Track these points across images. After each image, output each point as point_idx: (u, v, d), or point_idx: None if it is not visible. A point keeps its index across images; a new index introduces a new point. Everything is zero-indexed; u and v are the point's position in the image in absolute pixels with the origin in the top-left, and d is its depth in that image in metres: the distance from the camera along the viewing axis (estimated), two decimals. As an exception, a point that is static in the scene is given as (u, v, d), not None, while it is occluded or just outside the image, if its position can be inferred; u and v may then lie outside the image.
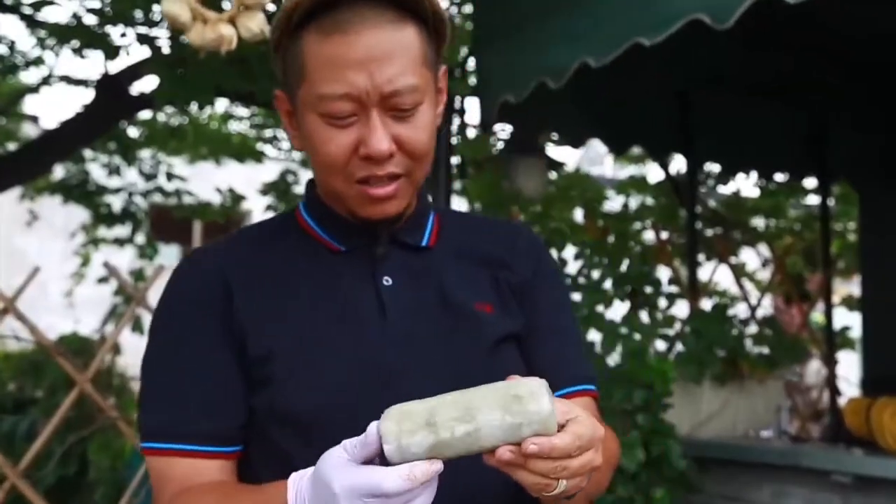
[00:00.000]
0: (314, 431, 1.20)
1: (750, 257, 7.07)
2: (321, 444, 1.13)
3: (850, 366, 5.72)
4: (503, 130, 5.68)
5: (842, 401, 4.40)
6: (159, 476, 1.26)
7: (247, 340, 1.26)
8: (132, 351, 4.06)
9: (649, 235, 6.45)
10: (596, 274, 4.52)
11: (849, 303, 5.98)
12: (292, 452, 1.20)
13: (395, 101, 1.21)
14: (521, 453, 1.02)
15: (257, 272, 1.32)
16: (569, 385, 1.41)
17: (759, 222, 6.94)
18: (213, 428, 1.25)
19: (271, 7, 2.00)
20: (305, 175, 7.83)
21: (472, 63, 4.45)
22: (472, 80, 4.36)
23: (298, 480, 1.11)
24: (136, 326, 4.29)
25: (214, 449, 1.26)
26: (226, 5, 1.84)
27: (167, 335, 1.32)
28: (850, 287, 6.14)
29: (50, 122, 7.10)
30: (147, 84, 5.97)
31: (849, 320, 5.61)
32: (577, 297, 3.93)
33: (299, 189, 7.58)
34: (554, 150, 5.88)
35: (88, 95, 6.54)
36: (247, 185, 8.21)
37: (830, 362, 4.85)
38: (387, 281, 1.31)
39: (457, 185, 6.00)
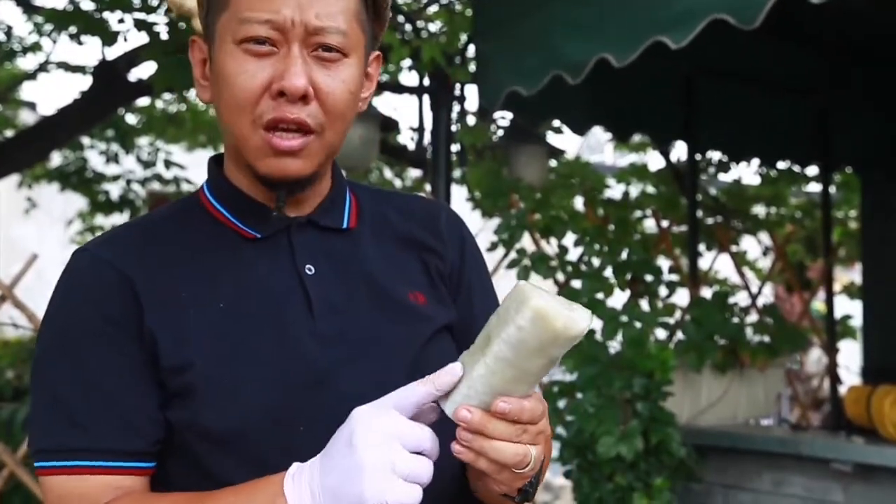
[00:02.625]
0: (240, 446, 1.13)
1: (751, 245, 7.06)
2: (248, 459, 1.10)
3: (850, 354, 5.71)
4: (503, 118, 5.68)
5: (842, 389, 4.40)
6: (62, 497, 1.14)
7: (159, 351, 1.14)
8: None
9: (650, 224, 6.43)
10: (596, 262, 4.52)
11: (850, 291, 5.98)
12: (216, 469, 1.12)
13: (319, 39, 1.14)
14: (492, 412, 1.00)
15: (165, 270, 1.18)
16: None
17: (759, 210, 6.94)
18: (127, 442, 1.14)
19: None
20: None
21: (471, 50, 4.43)
22: (472, 68, 4.34)
23: (296, 473, 1.02)
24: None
25: (131, 465, 1.15)
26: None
27: (60, 344, 1.18)
28: (851, 275, 6.14)
29: (47, 108, 7.09)
30: (145, 70, 5.94)
31: (850, 309, 5.60)
32: (577, 284, 3.93)
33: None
34: (554, 138, 5.87)
35: (86, 82, 6.54)
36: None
37: (831, 351, 4.84)
38: (309, 270, 1.21)
39: (456, 172, 5.99)
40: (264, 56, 1.12)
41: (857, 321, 5.34)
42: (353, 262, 1.24)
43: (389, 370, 1.15)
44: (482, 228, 4.36)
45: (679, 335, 3.42)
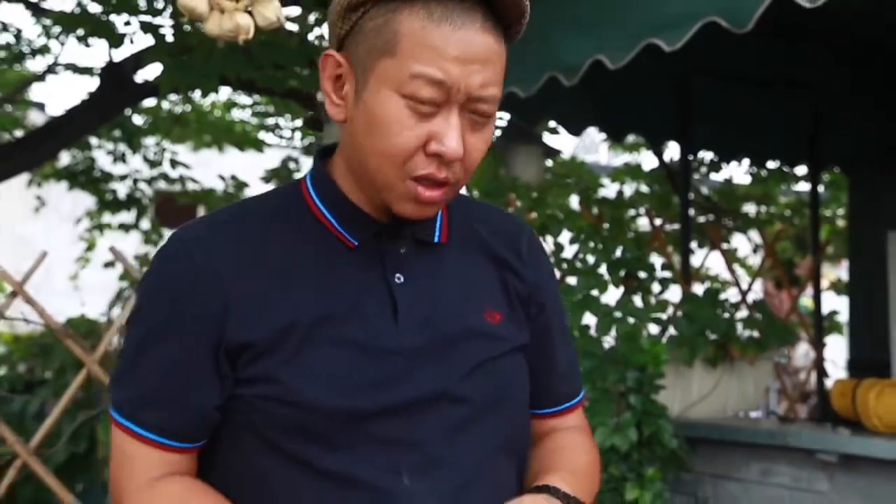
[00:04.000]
0: (311, 427, 1.17)
1: (741, 243, 7.09)
2: (317, 438, 1.15)
3: (837, 349, 5.73)
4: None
5: (829, 382, 4.42)
6: (117, 449, 1.23)
7: (241, 335, 1.18)
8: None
9: (643, 222, 6.45)
10: (591, 259, 4.53)
11: (837, 287, 6.00)
12: (292, 450, 1.17)
13: (478, 107, 1.16)
14: None
15: (258, 264, 1.22)
16: (576, 395, 1.43)
17: (750, 209, 6.96)
18: (175, 423, 1.21)
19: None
20: (306, 162, 7.82)
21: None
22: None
23: None
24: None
25: (173, 443, 1.21)
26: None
27: (145, 324, 1.23)
28: (838, 272, 6.16)
29: (56, 109, 7.10)
30: (151, 72, 5.95)
31: (837, 304, 5.63)
32: (572, 281, 3.93)
33: (301, 175, 7.59)
34: (550, 138, 5.88)
35: (93, 83, 6.55)
36: (249, 171, 8.21)
37: (818, 345, 4.86)
38: (398, 279, 1.23)
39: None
40: (425, 115, 1.13)
41: (843, 317, 5.37)
42: (439, 276, 1.26)
43: (454, 377, 1.20)
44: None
45: (671, 330, 3.44)
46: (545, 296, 1.36)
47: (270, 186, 7.59)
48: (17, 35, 7.31)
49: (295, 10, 5.77)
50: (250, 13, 1.81)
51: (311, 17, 6.10)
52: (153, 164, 7.78)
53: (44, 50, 7.47)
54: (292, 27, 5.94)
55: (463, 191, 1.41)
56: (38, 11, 6.84)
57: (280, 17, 1.83)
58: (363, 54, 1.17)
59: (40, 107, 8.66)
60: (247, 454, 1.21)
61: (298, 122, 8.17)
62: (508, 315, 1.30)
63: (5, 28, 7.24)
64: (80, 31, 6.27)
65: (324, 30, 6.33)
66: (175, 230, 1.27)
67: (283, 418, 1.17)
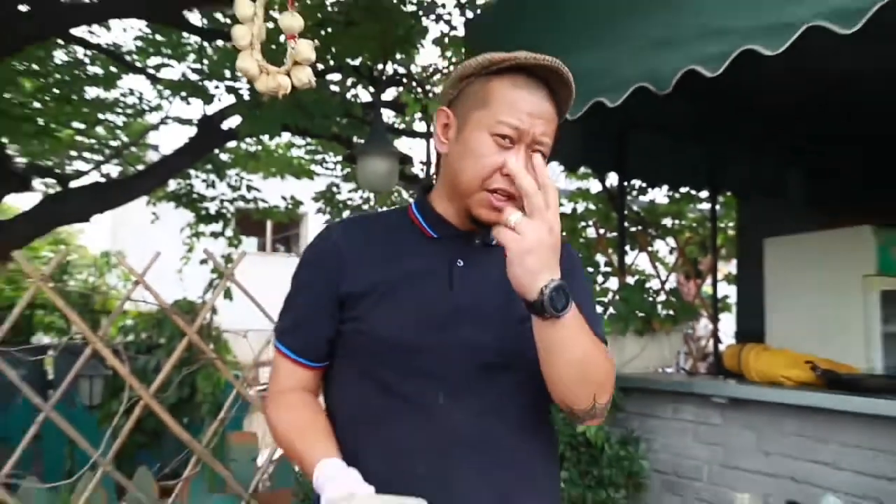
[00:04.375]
0: (393, 350, 1.28)
1: (661, 247, 7.09)
2: (389, 363, 1.27)
3: (728, 323, 5.75)
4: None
5: (721, 347, 4.44)
6: (274, 365, 1.39)
7: (348, 288, 1.31)
8: (224, 311, 4.10)
9: (591, 231, 6.48)
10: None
11: (728, 279, 6.01)
12: (372, 369, 1.29)
13: (536, 147, 1.27)
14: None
15: (367, 246, 1.35)
16: (601, 340, 1.46)
17: (667, 222, 6.96)
18: (302, 348, 1.36)
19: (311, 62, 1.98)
20: (346, 187, 7.85)
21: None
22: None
23: (329, 475, 1.19)
24: (227, 294, 4.32)
25: (302, 360, 1.36)
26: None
27: (298, 278, 1.39)
28: (729, 267, 6.17)
29: (166, 149, 7.12)
30: (233, 122, 5.99)
31: (728, 291, 5.66)
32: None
33: (341, 196, 7.61)
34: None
35: (192, 131, 6.58)
36: (303, 194, 8.23)
37: (715, 320, 4.89)
38: (460, 263, 1.33)
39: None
40: (505, 148, 1.26)
41: (732, 300, 5.40)
42: (490, 265, 1.32)
43: (487, 330, 1.29)
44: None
45: (611, 310, 3.46)
46: (571, 280, 1.35)
47: (318, 205, 7.62)
48: (140, 97, 7.40)
49: (337, 76, 5.80)
50: (289, 75, 1.83)
51: (348, 82, 6.12)
52: (234, 188, 7.84)
53: (158, 107, 7.54)
54: (335, 88, 5.96)
55: None
56: (154, 80, 6.90)
57: (311, 79, 1.84)
58: (465, 108, 1.31)
59: (155, 148, 8.70)
60: (341, 374, 1.36)
61: (338, 158, 8.21)
62: None
63: (132, 92, 7.32)
64: (183, 93, 6.31)
65: (357, 90, 6.35)
66: (327, 224, 1.48)
67: (364, 347, 1.30)
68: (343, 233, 1.38)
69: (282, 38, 4.04)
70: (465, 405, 1.27)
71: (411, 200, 1.45)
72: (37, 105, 6.86)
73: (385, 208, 8.15)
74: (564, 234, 6.03)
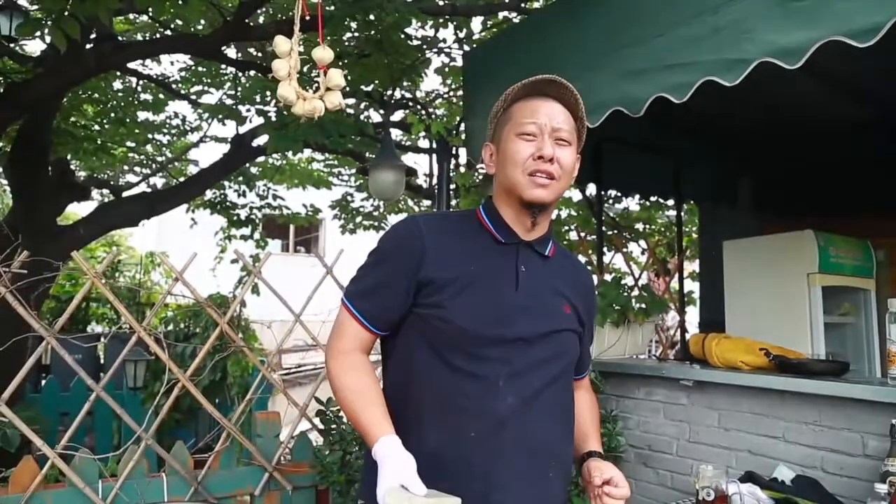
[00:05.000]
0: (460, 338, 1.30)
1: (635, 248, 7.08)
2: (461, 345, 1.29)
3: (692, 314, 5.74)
4: (482, 168, 5.68)
5: (688, 336, 4.43)
6: (339, 321, 1.38)
7: (428, 274, 1.32)
8: (252, 305, 4.08)
9: (573, 235, 6.46)
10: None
11: (693, 276, 6.00)
12: (441, 351, 1.31)
13: (558, 135, 1.36)
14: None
15: (448, 241, 1.37)
16: (587, 368, 1.63)
17: (640, 226, 6.95)
18: (372, 312, 1.36)
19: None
20: (359, 196, 7.85)
21: (462, 126, 4.45)
22: (463, 137, 4.37)
23: (387, 453, 1.19)
24: (254, 290, 4.31)
25: (370, 326, 1.36)
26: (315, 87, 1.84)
27: (382, 253, 1.39)
28: (693, 266, 6.16)
29: (204, 164, 7.12)
30: (262, 140, 5.98)
31: (693, 287, 5.64)
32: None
33: (355, 204, 7.60)
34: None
35: (226, 148, 6.57)
36: (321, 202, 8.22)
37: (681, 312, 4.87)
38: (522, 268, 1.38)
39: (453, 202, 6.01)
40: (530, 141, 1.36)
41: (696, 294, 5.38)
42: (544, 273, 1.41)
43: (538, 329, 1.35)
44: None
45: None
46: (588, 314, 1.52)
47: (335, 212, 7.60)
48: (183, 120, 7.40)
49: (352, 101, 5.78)
50: (322, 99, 1.82)
51: (362, 105, 6.11)
52: (262, 197, 7.82)
53: (198, 128, 7.54)
54: (350, 111, 5.94)
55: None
56: (195, 105, 6.90)
57: (341, 103, 1.85)
58: (499, 133, 1.43)
59: (195, 163, 8.68)
60: (414, 350, 1.36)
61: (353, 171, 8.19)
62: (573, 311, 1.45)
63: (176, 115, 7.34)
64: (220, 116, 6.31)
65: (369, 112, 6.33)
66: (408, 216, 1.45)
67: (441, 331, 1.32)
68: (426, 225, 1.39)
69: (305, 69, 4.03)
70: (517, 389, 1.31)
71: (479, 207, 1.48)
72: (96, 127, 6.89)
73: (392, 214, 8.16)
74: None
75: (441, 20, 5.11)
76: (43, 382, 6.31)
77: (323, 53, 1.80)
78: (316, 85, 1.89)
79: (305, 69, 4.21)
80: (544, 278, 1.40)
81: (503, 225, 1.41)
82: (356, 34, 5.08)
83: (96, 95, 6.48)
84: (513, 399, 1.30)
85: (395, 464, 1.17)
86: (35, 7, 4.93)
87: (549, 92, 1.39)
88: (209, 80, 6.69)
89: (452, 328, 1.30)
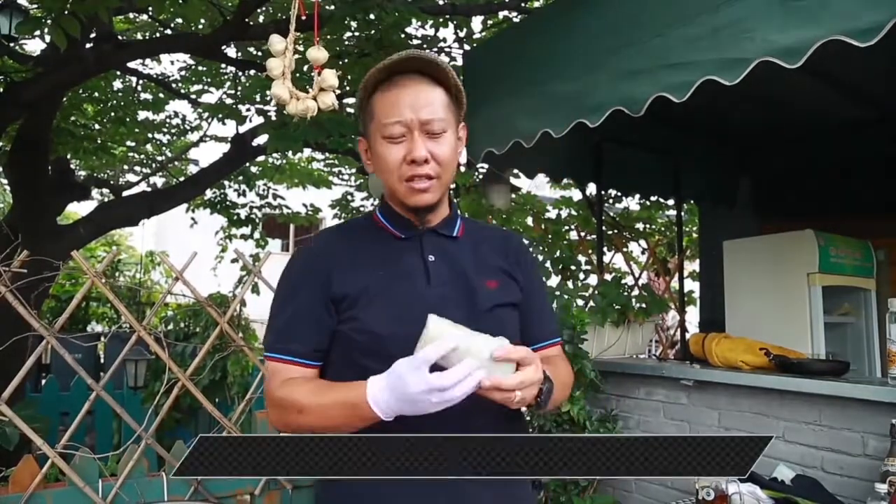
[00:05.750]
0: (381, 345, 1.22)
1: (635, 248, 7.08)
2: (387, 352, 1.17)
3: (692, 314, 5.74)
4: (482, 167, 5.70)
5: (688, 336, 4.44)
6: (269, 372, 1.29)
7: (339, 290, 1.25)
8: (252, 304, 4.08)
9: (573, 234, 6.46)
10: (540, 257, 4.53)
11: (693, 276, 6.00)
12: (367, 364, 1.20)
13: (430, 127, 1.23)
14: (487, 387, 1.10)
15: (349, 252, 1.30)
16: (556, 336, 1.47)
17: (640, 226, 6.95)
18: (302, 349, 1.27)
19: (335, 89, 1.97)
20: (359, 195, 7.85)
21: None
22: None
23: (376, 381, 1.12)
24: (254, 290, 4.30)
25: (308, 362, 1.28)
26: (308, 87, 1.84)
27: (286, 288, 1.32)
28: (694, 266, 6.16)
29: (204, 163, 7.13)
30: (262, 139, 5.98)
31: (693, 286, 5.64)
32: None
33: (355, 204, 7.59)
34: (514, 180, 5.87)
35: (226, 147, 6.57)
36: (321, 202, 8.22)
37: (681, 312, 4.86)
38: (431, 258, 1.30)
39: (454, 202, 6.01)
40: (400, 143, 1.24)
41: (696, 294, 5.38)
42: (456, 256, 1.32)
43: (464, 317, 1.22)
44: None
45: (591, 303, 3.45)
46: (527, 276, 1.40)
47: (335, 211, 7.60)
48: (183, 119, 7.40)
49: (352, 100, 5.78)
50: (315, 100, 1.81)
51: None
52: (262, 197, 7.81)
53: (198, 127, 7.54)
54: (350, 110, 5.94)
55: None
56: (195, 104, 6.90)
57: (334, 103, 1.84)
58: (367, 130, 1.31)
59: (195, 163, 8.70)
60: (338, 367, 1.28)
61: (352, 170, 8.19)
62: (504, 282, 1.35)
63: (176, 115, 7.34)
64: (220, 115, 6.31)
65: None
66: (311, 238, 1.39)
67: (360, 343, 1.24)
68: (325, 242, 1.34)
69: (304, 68, 4.02)
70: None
71: (377, 208, 1.40)
72: (96, 126, 6.89)
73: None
74: (550, 233, 6.00)
75: (441, 19, 5.11)
76: (43, 382, 6.31)
77: (318, 53, 1.80)
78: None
79: (305, 69, 4.21)
80: (458, 261, 1.31)
81: (400, 219, 1.33)
82: (356, 33, 5.08)
83: (96, 95, 6.49)
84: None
85: (397, 373, 1.10)
86: (35, 6, 4.93)
87: (408, 72, 1.24)
88: (209, 80, 6.69)
89: (369, 338, 1.23)
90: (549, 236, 5.96)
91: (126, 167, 8.54)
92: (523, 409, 1.25)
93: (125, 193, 7.67)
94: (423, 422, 1.12)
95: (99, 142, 6.80)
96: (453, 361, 1.08)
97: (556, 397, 1.29)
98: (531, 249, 1.49)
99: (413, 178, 1.24)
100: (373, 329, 1.23)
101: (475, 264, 1.33)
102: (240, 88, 6.32)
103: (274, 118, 5.29)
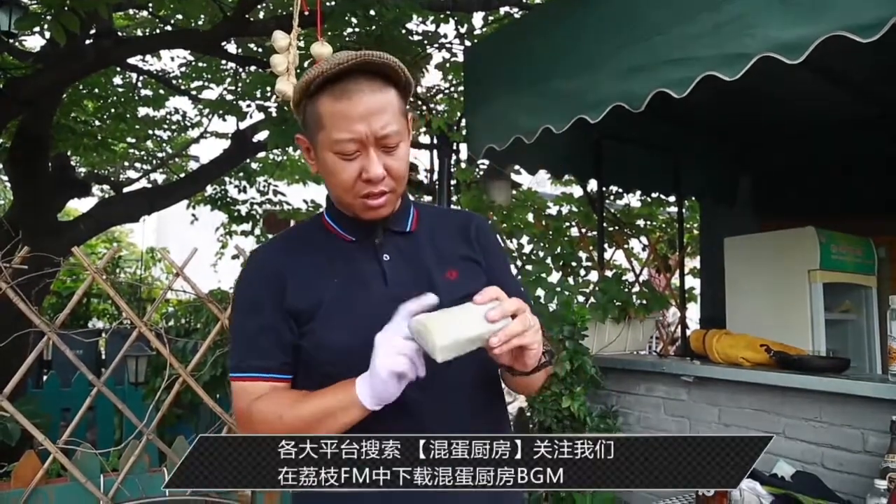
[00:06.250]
0: (343, 357, 1.15)
1: (636, 244, 7.07)
2: (349, 366, 1.10)
3: (693, 311, 5.74)
4: (483, 163, 5.71)
5: (688, 332, 4.44)
6: (235, 394, 1.21)
7: (295, 304, 1.19)
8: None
9: (574, 231, 6.45)
10: (541, 253, 4.53)
11: (693, 273, 5.99)
12: (330, 373, 1.14)
13: (386, 142, 1.14)
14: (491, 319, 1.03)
15: (300, 263, 1.22)
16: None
17: (640, 223, 6.94)
18: (269, 364, 1.19)
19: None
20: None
21: (463, 122, 4.46)
22: (464, 133, 4.37)
23: (361, 379, 1.07)
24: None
25: (270, 375, 1.20)
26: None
27: (244, 304, 1.24)
28: (695, 263, 6.15)
29: (205, 160, 7.14)
30: (262, 135, 5.98)
31: (693, 283, 5.63)
32: (529, 268, 3.94)
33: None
34: (515, 176, 5.87)
35: (227, 144, 6.57)
36: (321, 197, 8.20)
37: (682, 309, 4.86)
38: (386, 257, 1.23)
39: (454, 197, 6.02)
40: (353, 159, 1.15)
41: (697, 290, 5.38)
42: (412, 253, 1.25)
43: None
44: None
45: (592, 299, 3.45)
46: (488, 254, 1.32)
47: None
48: (183, 115, 7.40)
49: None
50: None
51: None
52: (262, 193, 7.81)
53: (198, 124, 7.54)
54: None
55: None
56: (195, 100, 6.90)
57: None
58: (310, 133, 1.19)
59: (196, 159, 8.68)
60: (303, 382, 1.21)
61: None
62: (462, 272, 1.26)
63: (176, 111, 7.33)
64: (220, 111, 6.30)
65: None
66: (252, 250, 1.31)
67: (322, 359, 1.18)
68: (275, 252, 1.26)
69: (306, 64, 4.02)
70: (425, 389, 1.13)
71: (324, 210, 1.32)
72: (97, 122, 6.89)
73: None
74: (551, 230, 6.00)
75: (442, 15, 5.11)
76: (44, 378, 6.32)
77: (321, 49, 1.80)
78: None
79: (306, 64, 4.21)
80: (414, 256, 1.24)
81: (349, 222, 1.26)
82: (357, 29, 5.07)
83: (96, 91, 6.49)
84: (425, 400, 1.15)
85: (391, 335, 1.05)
86: (34, 2, 4.93)
87: (357, 76, 1.13)
88: (209, 76, 6.68)
89: (333, 352, 1.16)
90: (550, 233, 5.95)
91: (126, 164, 8.53)
92: (521, 398, 1.23)
93: (126, 190, 7.67)
94: (404, 418, 1.11)
95: (99, 138, 6.80)
96: (461, 335, 1.02)
97: (541, 378, 1.24)
98: (491, 227, 1.41)
99: (369, 195, 1.17)
100: (330, 344, 1.17)
101: (434, 256, 1.26)
102: (240, 85, 6.32)
103: (274, 114, 5.29)
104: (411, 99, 1.44)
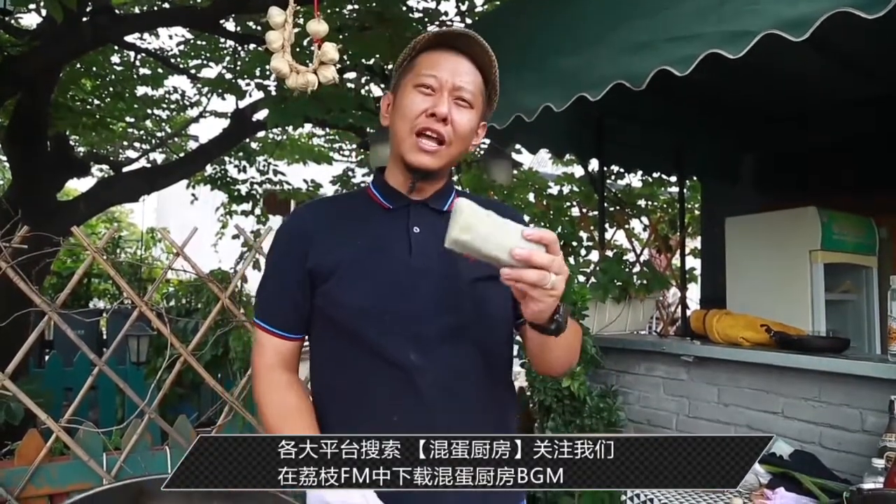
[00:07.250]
0: (356, 319, 1.21)
1: (636, 224, 7.07)
2: (365, 326, 1.19)
3: (694, 291, 5.75)
4: (484, 143, 5.68)
5: (688, 312, 4.45)
6: (256, 340, 1.32)
7: (316, 265, 1.24)
8: (253, 280, 4.09)
9: (575, 210, 6.45)
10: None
11: (695, 253, 6.00)
12: (348, 329, 1.21)
13: (459, 94, 1.24)
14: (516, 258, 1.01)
15: (331, 224, 1.28)
16: None
17: (642, 202, 6.93)
18: (281, 322, 1.29)
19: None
20: (360, 171, 7.83)
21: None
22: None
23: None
24: (255, 265, 4.30)
25: (282, 332, 1.29)
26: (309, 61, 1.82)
27: (271, 259, 1.32)
28: (695, 243, 6.16)
29: (204, 139, 7.11)
30: (262, 114, 5.95)
31: (694, 263, 5.64)
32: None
33: (356, 179, 7.56)
34: (516, 155, 5.85)
35: (226, 122, 6.54)
36: (322, 177, 8.20)
37: (682, 289, 4.87)
38: (416, 230, 1.27)
39: (455, 177, 5.99)
40: (428, 95, 1.23)
41: (698, 271, 5.38)
42: (444, 230, 1.18)
43: (446, 289, 1.22)
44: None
45: (592, 279, 3.45)
46: None
47: (336, 187, 7.58)
48: (182, 94, 7.36)
49: (352, 74, 5.74)
50: (316, 73, 1.79)
51: (362, 79, 6.06)
52: (262, 173, 7.79)
53: (197, 103, 7.51)
54: (350, 85, 5.90)
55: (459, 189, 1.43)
56: (194, 79, 6.86)
57: (335, 76, 1.81)
58: (399, 83, 1.29)
59: (195, 138, 8.65)
60: (323, 345, 1.29)
61: (353, 146, 8.16)
62: None
63: (175, 90, 7.30)
64: (220, 90, 6.28)
65: (370, 86, 6.29)
66: (294, 209, 1.40)
67: (338, 317, 1.23)
68: (310, 214, 1.32)
69: (305, 42, 3.99)
70: (431, 360, 1.19)
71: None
72: (95, 101, 6.86)
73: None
74: (552, 210, 5.98)
75: (442, -8, 5.05)
76: (46, 357, 6.35)
77: (318, 26, 1.77)
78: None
79: (305, 42, 4.17)
80: (443, 234, 1.15)
81: (390, 190, 1.31)
82: (356, 6, 5.02)
83: (94, 69, 6.44)
84: (431, 373, 1.19)
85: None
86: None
87: (459, 46, 1.25)
88: (208, 54, 6.64)
89: (347, 311, 1.21)
90: (551, 212, 5.95)
91: (125, 143, 8.50)
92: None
93: (125, 170, 7.64)
94: (415, 412, 1.17)
95: (98, 117, 6.76)
96: (479, 245, 1.02)
97: (570, 342, 1.23)
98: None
99: (426, 131, 1.22)
100: (348, 301, 1.21)
101: None
102: (239, 63, 6.27)
103: (274, 93, 5.26)
104: None
